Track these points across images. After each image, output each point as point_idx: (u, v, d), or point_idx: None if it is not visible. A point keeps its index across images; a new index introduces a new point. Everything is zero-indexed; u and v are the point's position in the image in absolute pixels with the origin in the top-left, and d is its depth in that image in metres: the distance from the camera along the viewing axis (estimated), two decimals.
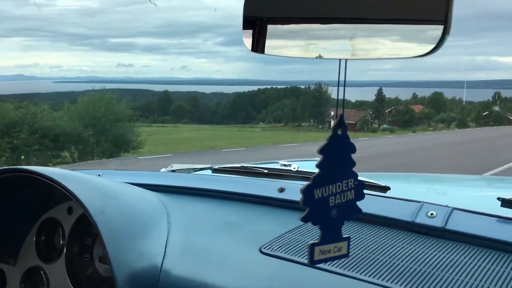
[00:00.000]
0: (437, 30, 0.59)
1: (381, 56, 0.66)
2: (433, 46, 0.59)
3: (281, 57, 0.73)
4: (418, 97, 67.48)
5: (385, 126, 49.18)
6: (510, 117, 54.63)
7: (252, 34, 0.74)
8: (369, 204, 0.97)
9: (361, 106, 55.59)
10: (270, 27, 0.74)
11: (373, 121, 52.44)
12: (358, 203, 0.72)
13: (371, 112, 53.08)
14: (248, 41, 0.74)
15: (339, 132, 0.67)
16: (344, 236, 0.71)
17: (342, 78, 0.65)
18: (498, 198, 1.02)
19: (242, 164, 1.51)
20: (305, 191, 0.66)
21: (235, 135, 37.05)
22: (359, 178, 0.83)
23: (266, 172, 1.42)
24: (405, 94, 70.08)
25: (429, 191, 1.62)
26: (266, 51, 0.74)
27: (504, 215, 0.96)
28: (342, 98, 0.66)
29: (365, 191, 0.88)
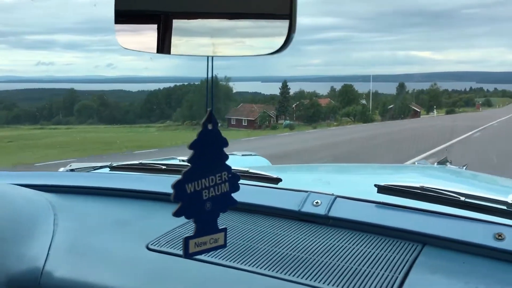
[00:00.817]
0: (283, 27, 0.60)
1: (237, 53, 0.66)
2: (281, 43, 0.61)
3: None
4: (337, 90, 67.39)
5: (286, 122, 46.12)
6: (416, 109, 55.36)
7: (125, 29, 0.72)
8: (260, 195, 1.14)
9: (270, 101, 53.50)
10: (140, 22, 0.72)
11: (278, 116, 49.71)
12: (236, 194, 0.74)
13: (277, 108, 50.54)
14: (120, 36, 0.72)
15: (210, 127, 0.68)
16: (220, 227, 0.73)
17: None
18: (375, 185, 1.06)
19: (140, 161, 1.49)
20: (176, 186, 0.66)
21: (121, 136, 33.48)
22: (253, 170, 1.07)
23: (164, 168, 1.40)
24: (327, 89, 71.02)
25: (317, 181, 1.66)
26: (128, 46, 0.72)
27: (381, 200, 1.04)
28: (211, 94, 0.67)
29: (257, 183, 1.15)
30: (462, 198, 0.96)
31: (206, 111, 0.69)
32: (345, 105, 53.15)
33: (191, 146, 0.67)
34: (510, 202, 0.92)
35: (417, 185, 1.04)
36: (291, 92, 55.22)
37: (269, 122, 46.30)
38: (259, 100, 57.93)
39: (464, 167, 2.16)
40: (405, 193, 1.03)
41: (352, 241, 0.96)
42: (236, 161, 1.99)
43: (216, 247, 0.73)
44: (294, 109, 50.89)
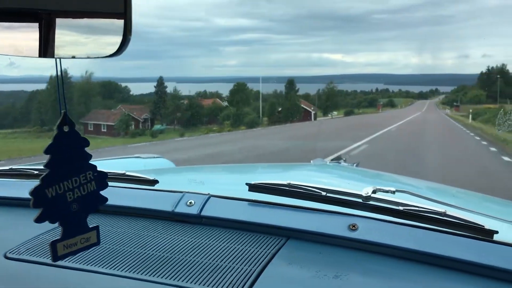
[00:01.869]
0: (119, 30, 0.60)
1: (79, 54, 0.65)
2: (117, 46, 0.61)
3: None
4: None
5: (157, 127, 38.38)
6: (309, 110, 50.33)
7: None
8: (136, 198, 1.14)
9: (144, 103, 45.27)
10: None
11: (154, 120, 41.89)
12: (112, 197, 0.74)
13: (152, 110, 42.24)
14: None
15: (66, 130, 0.67)
16: (91, 226, 0.73)
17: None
18: (246, 184, 1.10)
19: (10, 167, 1.41)
20: (34, 193, 0.65)
21: None
22: (130, 173, 1.11)
23: (37, 173, 1.33)
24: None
25: (192, 181, 1.65)
26: None
27: (252, 198, 1.08)
28: (63, 96, 0.66)
29: (132, 185, 1.16)
30: (324, 193, 1.02)
31: (61, 113, 0.66)
32: (236, 106, 46.69)
33: (46, 151, 0.65)
34: (364, 195, 0.98)
35: (285, 182, 1.07)
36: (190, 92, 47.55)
37: (133, 127, 38.17)
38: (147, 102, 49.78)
39: (355, 164, 2.33)
40: (274, 190, 1.07)
41: (221, 238, 0.98)
42: (139, 163, 2.06)
43: (89, 246, 0.72)
44: (171, 111, 42.81)
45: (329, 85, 61.87)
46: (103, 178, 0.73)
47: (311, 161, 2.42)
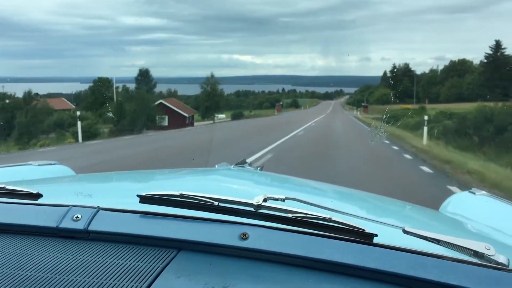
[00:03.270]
0: None
1: None
2: None
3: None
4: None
5: None
6: (184, 114, 38.47)
7: None
8: (16, 213, 1.07)
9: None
10: None
11: None
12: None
13: None
14: None
15: None
16: None
17: None
18: (137, 195, 1.05)
19: None
20: None
21: None
22: (10, 186, 1.04)
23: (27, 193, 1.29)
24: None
25: (79, 194, 1.53)
26: None
27: (144, 210, 1.03)
28: None
29: (13, 200, 1.09)
30: (216, 203, 1.00)
31: None
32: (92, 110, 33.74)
33: None
34: (255, 203, 0.98)
35: (177, 193, 1.04)
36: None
37: None
38: None
39: (259, 168, 2.31)
40: (166, 201, 1.04)
41: (109, 254, 0.93)
42: (29, 172, 1.96)
43: None
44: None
45: (209, 81, 47.93)
46: None
47: (216, 166, 2.27)
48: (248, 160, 2.37)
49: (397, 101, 77.47)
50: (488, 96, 67.87)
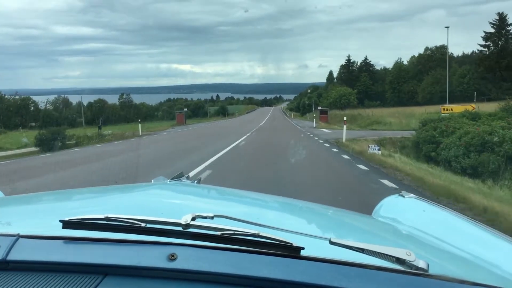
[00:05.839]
0: None
1: None
2: None
3: None
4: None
5: None
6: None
7: None
8: None
9: None
10: None
11: None
12: None
13: None
14: None
15: None
16: None
17: None
18: (60, 221, 1.02)
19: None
20: None
21: None
22: None
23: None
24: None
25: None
26: None
27: (68, 235, 1.00)
28: None
29: None
30: (144, 224, 0.98)
31: None
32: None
33: None
34: (184, 223, 0.96)
35: (102, 216, 1.02)
36: None
37: None
38: None
39: (196, 181, 2.25)
40: (90, 225, 1.01)
41: (32, 284, 0.89)
42: None
43: None
44: None
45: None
46: None
47: (152, 180, 2.22)
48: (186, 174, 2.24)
49: (359, 103, 65.04)
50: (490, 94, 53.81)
